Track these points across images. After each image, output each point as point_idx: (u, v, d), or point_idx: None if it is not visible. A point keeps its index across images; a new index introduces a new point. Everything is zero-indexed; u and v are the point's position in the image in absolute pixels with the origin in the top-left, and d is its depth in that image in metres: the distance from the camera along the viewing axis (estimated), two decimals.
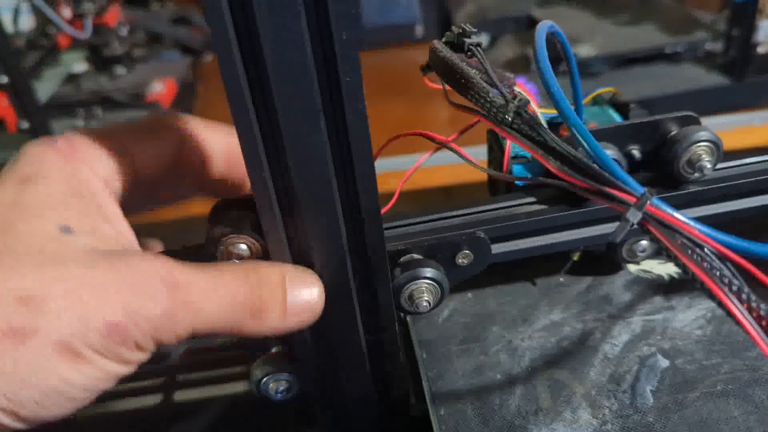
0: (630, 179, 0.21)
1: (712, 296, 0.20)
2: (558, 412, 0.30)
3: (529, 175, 0.35)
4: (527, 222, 0.32)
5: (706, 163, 0.31)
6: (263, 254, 0.28)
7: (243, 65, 0.23)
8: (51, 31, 1.19)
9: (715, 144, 0.31)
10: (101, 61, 1.22)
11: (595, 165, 0.22)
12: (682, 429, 0.29)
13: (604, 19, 1.19)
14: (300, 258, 0.28)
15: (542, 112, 0.33)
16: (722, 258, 0.21)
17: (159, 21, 1.40)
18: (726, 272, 0.20)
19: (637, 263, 0.38)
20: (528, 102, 0.23)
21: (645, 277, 0.37)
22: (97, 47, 1.22)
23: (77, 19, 1.17)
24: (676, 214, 0.21)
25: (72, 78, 1.20)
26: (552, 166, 0.22)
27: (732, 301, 0.19)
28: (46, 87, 1.15)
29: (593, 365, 0.32)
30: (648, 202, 0.21)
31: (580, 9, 1.24)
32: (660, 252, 0.36)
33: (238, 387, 0.46)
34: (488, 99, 0.24)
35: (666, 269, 0.37)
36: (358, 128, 0.24)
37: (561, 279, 0.38)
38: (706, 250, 0.21)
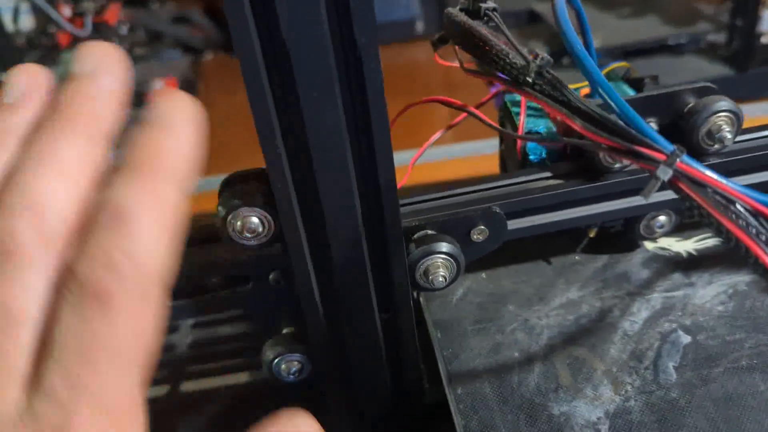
0: (659, 137, 0.20)
1: (748, 254, 0.19)
2: (579, 389, 0.29)
3: (544, 151, 0.34)
4: (544, 197, 0.32)
5: (727, 133, 0.30)
6: (276, 229, 0.27)
7: (256, 30, 0.22)
8: (51, 30, 1.19)
9: (736, 114, 0.30)
10: None
11: (622, 123, 0.21)
12: (707, 404, 0.28)
13: (606, 11, 1.19)
14: (313, 233, 0.28)
15: None
16: (756, 215, 0.20)
17: (159, 20, 1.40)
18: (762, 229, 0.19)
19: (655, 240, 0.37)
20: (550, 62, 0.22)
21: (663, 254, 0.36)
22: None
23: (77, 17, 1.17)
24: (708, 171, 0.20)
25: None
26: (577, 125, 0.21)
27: None
28: None
29: (613, 342, 0.32)
30: (678, 159, 0.20)
31: (582, 1, 1.24)
32: (683, 219, 0.35)
33: (246, 377, 0.45)
34: (508, 60, 0.23)
35: (684, 246, 0.37)
36: (375, 90, 0.23)
37: (576, 257, 0.37)
38: (738, 206, 0.20)
